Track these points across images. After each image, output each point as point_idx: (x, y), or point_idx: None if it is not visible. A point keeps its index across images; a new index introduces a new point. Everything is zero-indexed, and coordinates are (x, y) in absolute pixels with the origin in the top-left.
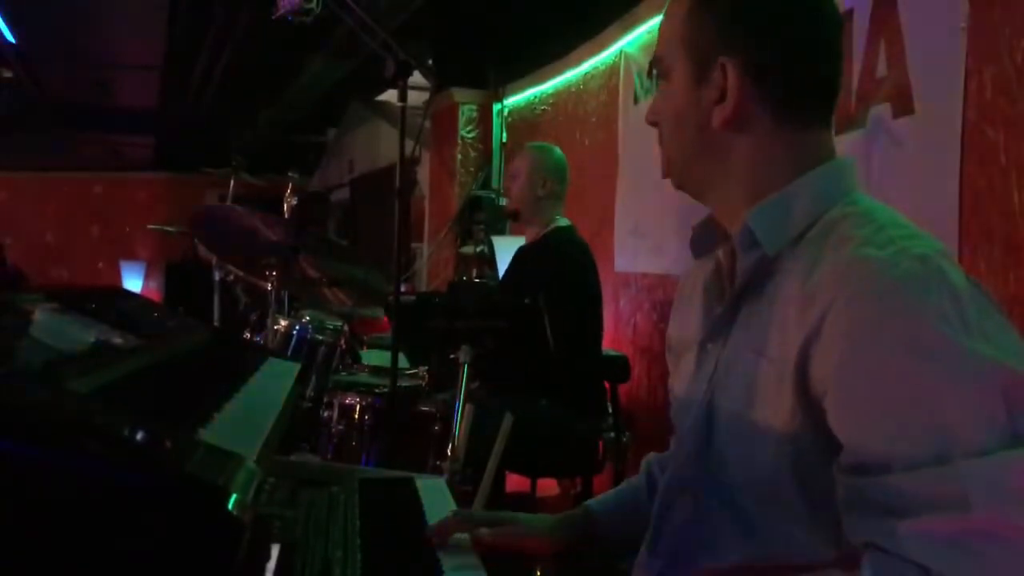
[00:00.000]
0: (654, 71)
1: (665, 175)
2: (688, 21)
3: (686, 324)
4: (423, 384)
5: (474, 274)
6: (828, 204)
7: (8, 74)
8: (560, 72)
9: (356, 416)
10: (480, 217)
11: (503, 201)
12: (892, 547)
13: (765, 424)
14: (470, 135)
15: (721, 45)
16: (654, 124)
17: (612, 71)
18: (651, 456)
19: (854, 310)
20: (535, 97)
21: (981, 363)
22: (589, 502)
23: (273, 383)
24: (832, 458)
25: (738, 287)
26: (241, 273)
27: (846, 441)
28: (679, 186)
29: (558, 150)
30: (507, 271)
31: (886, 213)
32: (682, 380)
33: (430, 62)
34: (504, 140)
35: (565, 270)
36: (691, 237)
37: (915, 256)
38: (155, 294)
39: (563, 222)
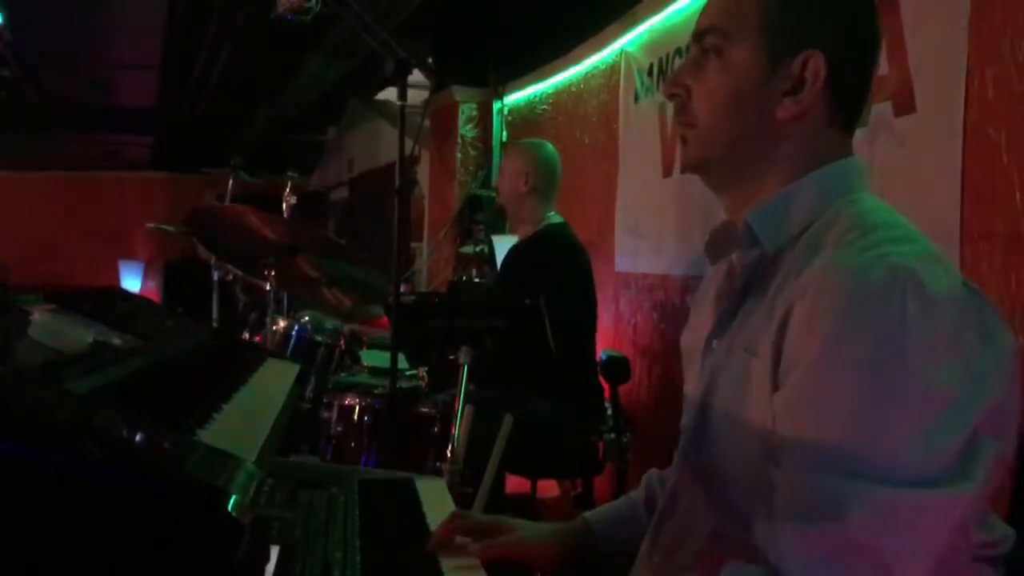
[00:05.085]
0: (704, 38)
1: (690, 157)
2: (770, 2)
3: (697, 328)
4: (422, 385)
5: (474, 274)
6: (829, 203)
7: (6, 73)
8: (561, 71)
9: (355, 417)
10: (480, 216)
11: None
12: (767, 540)
13: (753, 419)
14: (470, 134)
15: (808, 37)
16: (674, 96)
17: (613, 70)
18: (652, 472)
19: (814, 314)
20: (535, 96)
21: (933, 388)
22: (587, 515)
23: (272, 384)
24: None
25: (739, 285)
26: (240, 273)
27: (778, 429)
28: (701, 169)
29: (549, 146)
30: (501, 271)
31: (884, 214)
32: (690, 380)
33: (430, 60)
34: (504, 139)
35: (556, 269)
36: (706, 242)
37: (890, 264)
38: (154, 294)
39: (555, 219)
